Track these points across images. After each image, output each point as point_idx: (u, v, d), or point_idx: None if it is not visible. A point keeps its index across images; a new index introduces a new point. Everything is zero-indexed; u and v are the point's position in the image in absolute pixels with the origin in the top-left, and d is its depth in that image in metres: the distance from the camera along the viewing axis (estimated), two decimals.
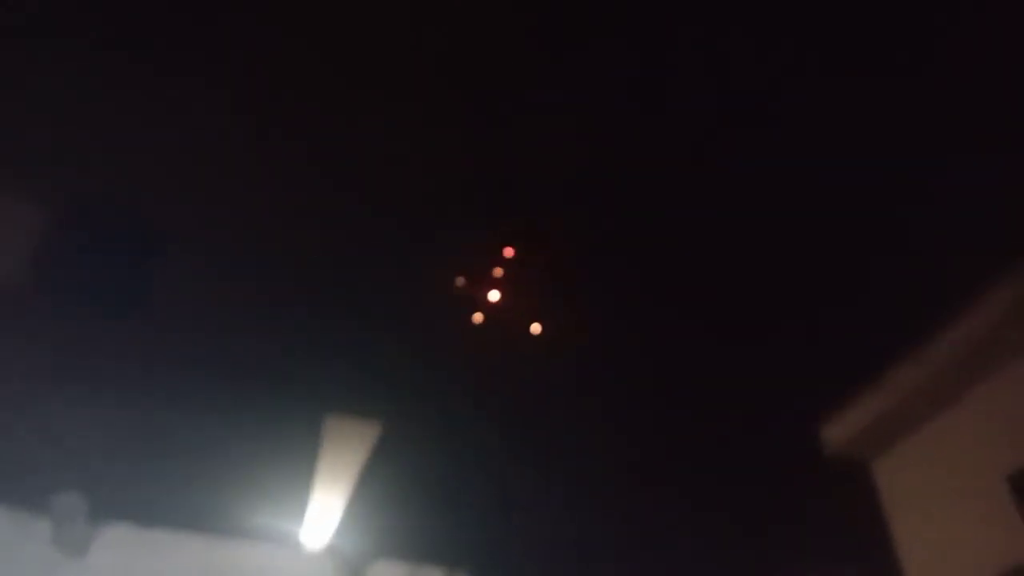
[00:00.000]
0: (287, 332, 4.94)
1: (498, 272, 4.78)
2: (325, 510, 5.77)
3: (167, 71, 3.33)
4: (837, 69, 3.52)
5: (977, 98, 3.68)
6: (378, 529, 5.98)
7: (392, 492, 5.82)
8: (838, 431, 4.78)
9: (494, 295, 4.84)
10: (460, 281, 4.91)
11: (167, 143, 3.62)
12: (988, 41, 3.31)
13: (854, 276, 4.41)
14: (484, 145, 3.87)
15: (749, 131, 3.74)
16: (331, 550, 5.96)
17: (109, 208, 4.07)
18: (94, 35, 3.21)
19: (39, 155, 3.63)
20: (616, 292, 4.65)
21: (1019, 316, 4.03)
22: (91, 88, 3.36)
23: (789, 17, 3.17)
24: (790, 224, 4.14)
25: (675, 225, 4.17)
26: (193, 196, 3.97)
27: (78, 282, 4.47)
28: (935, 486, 4.49)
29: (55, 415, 5.26)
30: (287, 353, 5.02)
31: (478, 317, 4.75)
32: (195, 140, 3.70)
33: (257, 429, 5.47)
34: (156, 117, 3.50)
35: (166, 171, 3.72)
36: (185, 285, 4.66)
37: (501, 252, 4.68)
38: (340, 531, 5.89)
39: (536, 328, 4.72)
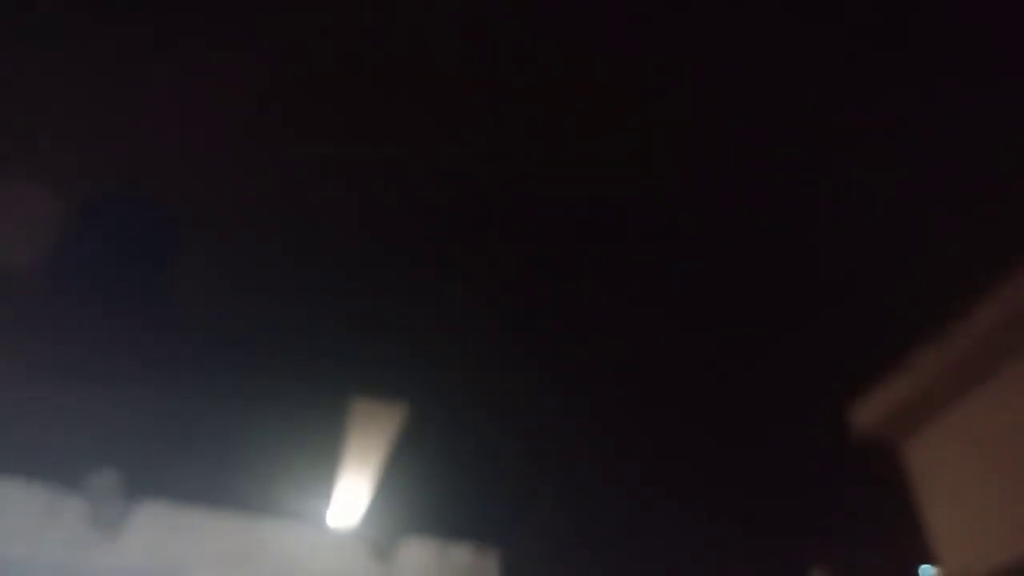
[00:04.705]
0: (314, 314, 4.94)
1: None
2: (354, 489, 5.82)
3: (179, 60, 3.33)
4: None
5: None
6: (406, 508, 6.03)
7: (420, 471, 5.86)
8: (867, 413, 4.72)
9: None
10: None
11: (184, 129, 3.62)
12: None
13: (882, 258, 4.34)
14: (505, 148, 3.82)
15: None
16: (360, 529, 6.02)
17: (130, 193, 4.09)
18: (111, 23, 3.20)
19: (53, 146, 3.64)
20: (642, 280, 4.60)
21: None
22: (105, 78, 3.36)
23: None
24: (819, 208, 4.07)
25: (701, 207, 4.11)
26: (212, 179, 3.96)
27: (104, 266, 4.50)
28: (965, 467, 4.43)
29: (88, 397, 5.34)
30: (314, 335, 5.03)
31: None
32: (214, 125, 3.69)
33: (286, 410, 5.52)
34: (170, 106, 3.50)
35: (183, 152, 3.72)
36: (213, 270, 4.68)
37: None
38: (369, 510, 5.94)
39: None
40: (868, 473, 4.99)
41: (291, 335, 5.05)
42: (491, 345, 5.12)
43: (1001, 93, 3.44)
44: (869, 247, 4.28)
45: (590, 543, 6.32)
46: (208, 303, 4.84)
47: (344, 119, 3.57)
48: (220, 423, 5.55)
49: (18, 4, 2.99)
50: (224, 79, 3.39)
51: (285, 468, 5.87)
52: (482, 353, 5.16)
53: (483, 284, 4.72)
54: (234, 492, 5.94)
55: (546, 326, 5.00)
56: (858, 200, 3.99)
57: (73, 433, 5.57)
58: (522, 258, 4.49)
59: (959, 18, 3.14)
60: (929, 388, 4.44)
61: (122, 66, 3.31)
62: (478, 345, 5.11)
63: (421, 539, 6.18)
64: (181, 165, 3.86)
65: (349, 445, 5.62)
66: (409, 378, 5.31)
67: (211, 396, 5.39)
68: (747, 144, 3.63)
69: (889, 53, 3.27)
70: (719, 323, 4.72)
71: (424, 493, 6.00)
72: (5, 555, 5.50)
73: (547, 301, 4.80)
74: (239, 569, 5.77)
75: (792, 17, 3.13)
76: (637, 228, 4.06)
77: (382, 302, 4.83)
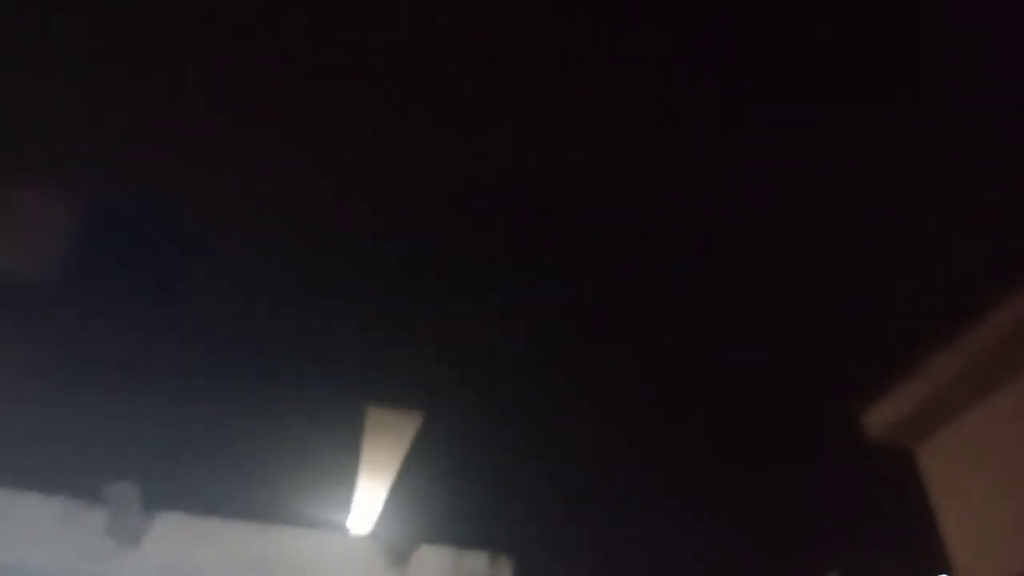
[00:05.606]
0: (330, 322, 4.96)
1: None
2: (370, 497, 5.82)
3: (181, 61, 3.36)
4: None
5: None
6: (422, 515, 6.03)
7: (436, 478, 5.86)
8: (882, 417, 4.68)
9: None
10: None
11: (189, 131, 3.65)
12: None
13: (896, 261, 4.30)
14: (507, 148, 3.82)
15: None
16: (376, 536, 6.02)
17: (143, 200, 4.12)
18: (112, 24, 3.24)
19: (54, 148, 3.68)
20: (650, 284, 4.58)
21: None
22: (109, 80, 3.40)
23: None
24: (827, 210, 4.04)
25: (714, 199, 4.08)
26: (225, 183, 3.99)
27: (119, 274, 4.53)
28: (982, 473, 4.38)
29: (103, 407, 5.38)
30: (331, 343, 5.05)
31: None
32: (220, 127, 3.72)
33: (303, 418, 5.54)
34: (174, 108, 3.54)
35: (190, 155, 3.75)
36: (229, 277, 4.70)
37: None
38: (385, 517, 5.95)
39: None
40: (883, 479, 4.94)
41: (307, 343, 5.07)
42: (507, 352, 5.12)
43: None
44: (883, 249, 4.25)
45: (605, 550, 6.30)
46: (224, 311, 4.87)
47: (344, 119, 3.58)
48: (236, 431, 5.57)
49: (18, 4, 3.03)
50: (226, 79, 3.42)
51: (302, 476, 5.89)
52: (498, 360, 5.16)
53: (497, 290, 4.72)
54: (251, 500, 5.96)
55: (561, 332, 4.99)
56: (866, 203, 3.96)
57: (89, 443, 5.61)
58: (534, 264, 4.49)
59: (961, 17, 3.12)
60: (945, 392, 4.40)
61: (124, 67, 3.34)
62: (494, 352, 5.11)
63: (436, 546, 6.19)
64: (190, 169, 3.89)
65: (365, 452, 5.64)
66: (425, 385, 5.31)
67: (227, 405, 5.41)
68: (751, 144, 3.62)
69: (892, 52, 3.26)
70: (732, 328, 4.70)
71: (440, 500, 6.00)
72: (24, 564, 5.55)
73: (562, 306, 4.79)
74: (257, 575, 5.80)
75: (793, 16, 3.12)
76: (645, 231, 4.05)
77: (399, 309, 4.84)
